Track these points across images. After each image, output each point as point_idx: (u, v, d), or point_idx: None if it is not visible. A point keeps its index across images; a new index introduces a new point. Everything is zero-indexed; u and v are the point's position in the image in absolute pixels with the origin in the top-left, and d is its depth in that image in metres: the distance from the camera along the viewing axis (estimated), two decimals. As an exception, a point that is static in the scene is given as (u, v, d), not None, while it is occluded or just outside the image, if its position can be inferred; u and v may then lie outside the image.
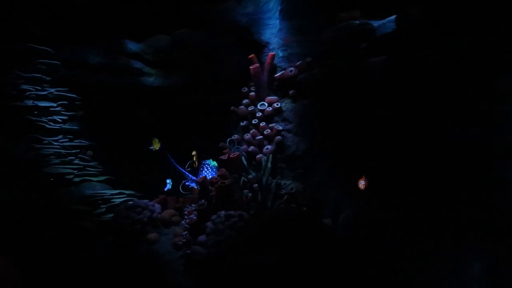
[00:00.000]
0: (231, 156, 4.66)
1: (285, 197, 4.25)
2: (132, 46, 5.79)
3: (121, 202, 5.68)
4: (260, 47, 5.10)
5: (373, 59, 3.86)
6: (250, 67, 4.86)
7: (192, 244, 4.22)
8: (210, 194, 4.56)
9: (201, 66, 5.26)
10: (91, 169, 6.25)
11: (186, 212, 4.98)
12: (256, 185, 4.29)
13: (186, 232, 4.49)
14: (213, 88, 5.31)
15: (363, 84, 3.92)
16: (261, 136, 4.77)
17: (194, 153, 5.35)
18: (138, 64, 5.79)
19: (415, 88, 3.57)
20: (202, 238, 4.08)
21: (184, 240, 4.41)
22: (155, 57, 5.64)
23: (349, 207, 4.29)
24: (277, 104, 4.83)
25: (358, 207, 4.18)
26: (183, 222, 4.79)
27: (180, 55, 5.39)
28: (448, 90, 3.39)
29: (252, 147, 4.78)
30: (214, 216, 4.19)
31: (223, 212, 4.16)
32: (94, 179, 6.17)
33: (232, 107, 5.04)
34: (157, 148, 5.36)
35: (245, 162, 4.40)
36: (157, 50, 5.59)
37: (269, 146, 4.70)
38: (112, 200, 5.72)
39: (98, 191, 5.80)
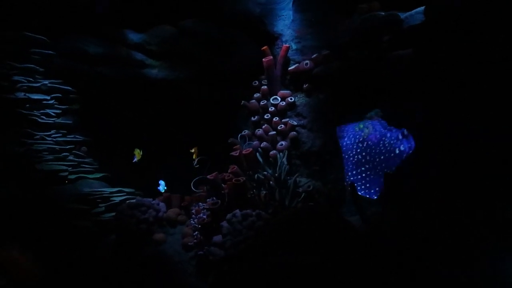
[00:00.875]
0: (243, 152, 4.45)
1: (302, 195, 4.07)
2: (134, 36, 5.49)
3: (121, 201, 5.40)
4: (272, 39, 4.90)
5: (399, 52, 3.72)
6: (263, 59, 4.66)
7: (205, 245, 4.00)
8: (222, 192, 4.34)
9: (209, 59, 5.02)
10: (87, 165, 5.94)
11: (193, 211, 4.74)
12: (273, 182, 4.09)
13: (197, 232, 4.26)
14: (222, 82, 5.08)
15: (387, 78, 3.77)
16: (274, 132, 4.58)
17: (193, 150, 5.13)
18: (140, 56, 5.50)
19: (445, 85, 3.43)
20: (217, 238, 3.86)
21: (195, 240, 4.18)
22: (160, 48, 5.37)
23: (372, 204, 4.15)
24: (291, 99, 4.64)
25: (382, 204, 4.04)
26: (191, 221, 4.55)
27: (187, 47, 5.13)
28: (481, 89, 3.27)
29: (264, 143, 4.59)
30: (229, 216, 3.98)
31: (238, 211, 3.95)
32: (90, 176, 5.86)
33: (243, 101, 4.83)
34: (139, 159, 5.16)
35: (260, 159, 4.20)
36: (162, 40, 5.31)
37: (283, 142, 4.51)
38: (111, 199, 5.43)
39: (96, 189, 5.50)
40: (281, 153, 4.24)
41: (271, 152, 4.46)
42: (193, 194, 5.13)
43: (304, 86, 4.61)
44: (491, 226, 3.12)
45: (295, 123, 4.52)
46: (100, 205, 5.34)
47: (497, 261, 2.90)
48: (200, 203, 4.90)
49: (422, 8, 3.64)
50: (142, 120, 5.90)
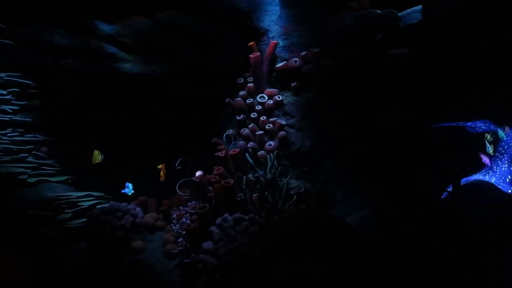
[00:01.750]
0: (230, 153, 4.21)
1: (294, 198, 3.90)
2: (105, 27, 5.07)
3: (91, 206, 4.95)
4: (258, 34, 4.69)
5: (395, 51, 3.66)
6: (251, 55, 4.45)
7: (193, 253, 3.71)
8: (209, 195, 4.07)
9: (191, 53, 4.72)
10: (48, 167, 5.44)
11: (174, 216, 4.43)
12: (263, 184, 3.88)
13: (181, 238, 3.96)
14: (204, 78, 4.80)
15: (382, 78, 3.70)
16: (262, 131, 4.37)
17: (161, 166, 4.80)
18: (112, 49, 5.09)
19: (442, 85, 3.41)
20: (207, 245, 3.59)
21: (180, 248, 3.88)
22: (134, 40, 4.99)
23: (362, 207, 4.07)
24: (279, 97, 4.47)
25: (375, 207, 3.95)
26: (174, 227, 4.24)
27: (166, 40, 4.80)
28: (479, 90, 3.27)
29: (251, 143, 4.37)
30: (219, 220, 3.72)
31: (228, 216, 3.71)
32: (53, 179, 5.35)
33: (227, 99, 4.58)
34: (98, 161, 4.80)
35: (250, 160, 3.98)
36: (137, 32, 4.94)
37: (272, 142, 4.32)
38: (79, 204, 4.95)
39: (62, 193, 5.01)
40: (271, 154, 4.04)
41: (259, 153, 4.25)
42: (172, 197, 4.81)
43: (292, 84, 4.45)
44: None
45: (284, 122, 4.34)
46: (67, 211, 4.86)
47: None
48: (182, 207, 4.59)
49: (420, 7, 3.60)
50: (112, 118, 5.47)
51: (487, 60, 3.16)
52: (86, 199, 5.04)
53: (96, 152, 4.96)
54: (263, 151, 4.28)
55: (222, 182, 3.90)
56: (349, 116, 4.19)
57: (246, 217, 3.66)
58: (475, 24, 3.18)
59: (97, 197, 5.14)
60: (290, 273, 2.90)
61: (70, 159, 5.69)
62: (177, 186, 4.00)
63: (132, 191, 4.84)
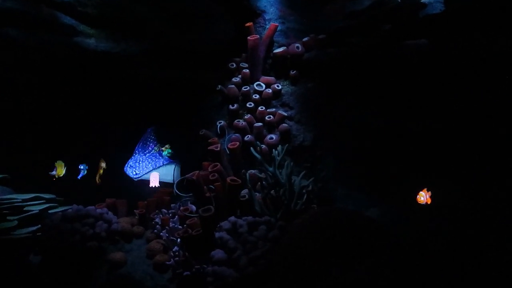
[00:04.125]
0: (229, 146, 3.69)
1: (304, 197, 3.54)
2: (60, -8, 4.15)
3: (42, 211, 4.02)
4: (254, 15, 4.21)
5: (413, 42, 3.49)
6: (249, 37, 3.96)
7: (196, 264, 3.15)
8: (207, 195, 3.52)
9: (173, 31, 4.06)
10: (-26, 164, 4.35)
11: (157, 220, 3.78)
12: (276, 183, 3.46)
13: (176, 247, 3.36)
14: (184, 61, 4.18)
15: (396, 70, 3.51)
16: (261, 124, 3.92)
17: (102, 164, 4.17)
18: (68, 20, 4.18)
19: (463, 81, 3.32)
20: (219, 255, 3.05)
21: (176, 258, 3.28)
22: (99, 11, 4.15)
23: (366, 207, 3.86)
24: (278, 86, 4.05)
25: (381, 205, 3.78)
26: (162, 233, 3.60)
27: (142, 14, 4.07)
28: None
29: (249, 136, 3.90)
30: (227, 224, 3.21)
31: (238, 219, 3.21)
32: (-19, 179, 4.29)
33: (219, 86, 4.03)
34: (61, 175, 4.07)
35: (258, 155, 3.50)
36: (103, 2, 4.12)
37: (273, 136, 3.89)
38: (26, 209, 3.98)
39: (2, 197, 4.00)
40: (279, 148, 3.61)
41: (263, 147, 3.79)
42: (149, 198, 4.12)
43: (291, 72, 4.07)
44: None
45: (285, 114, 3.95)
46: (9, 217, 3.88)
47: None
48: (164, 210, 3.94)
49: (442, -4, 3.48)
50: (63, 106, 4.54)
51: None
52: (35, 203, 4.08)
53: (60, 163, 4.10)
54: (264, 146, 3.83)
55: (229, 180, 3.37)
56: (353, 109, 3.94)
57: (262, 219, 3.19)
58: (503, 18, 3.12)
59: (48, 200, 4.21)
60: (342, 283, 2.54)
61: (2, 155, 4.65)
62: (174, 186, 3.36)
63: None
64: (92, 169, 4.19)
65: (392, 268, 2.54)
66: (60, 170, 4.20)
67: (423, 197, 3.32)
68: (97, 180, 3.92)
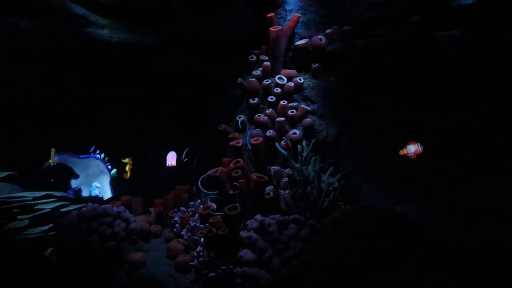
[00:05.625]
0: (252, 142, 3.55)
1: (331, 194, 3.41)
2: (71, -20, 3.97)
3: (54, 209, 3.84)
4: (274, 6, 4.05)
5: (444, 33, 3.36)
6: (271, 29, 3.80)
7: (222, 265, 3.01)
8: (230, 192, 3.38)
9: (191, 21, 3.90)
10: (-19, 161, 4.16)
11: (177, 219, 3.62)
12: (304, 180, 3.32)
13: (200, 247, 3.21)
14: (205, 52, 4.01)
15: (427, 63, 3.38)
16: (283, 118, 3.78)
17: (127, 160, 4.03)
18: (80, 9, 4.00)
19: (498, 75, 3.20)
20: (248, 255, 2.91)
21: (200, 259, 3.13)
22: (112, 0, 3.97)
23: (394, 203, 3.74)
24: (300, 79, 3.91)
25: (409, 202, 3.65)
26: (182, 232, 3.45)
27: (157, 3, 3.90)
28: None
29: (271, 131, 3.75)
30: (254, 223, 3.07)
31: (266, 218, 3.07)
32: (-11, 176, 4.11)
33: (239, 79, 3.88)
34: (54, 164, 3.91)
35: (284, 151, 3.36)
36: (118, -9, 3.94)
37: (296, 131, 3.75)
38: (37, 208, 3.80)
39: (12, 195, 3.81)
40: (304, 143, 3.47)
41: (282, 142, 3.65)
42: (166, 196, 3.96)
43: (313, 65, 3.93)
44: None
45: (308, 108, 3.80)
46: (20, 216, 3.69)
47: None
48: (183, 208, 3.78)
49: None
50: (72, 99, 4.36)
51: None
52: (46, 201, 3.90)
53: (53, 150, 3.92)
54: (283, 141, 3.69)
55: (255, 177, 3.23)
56: (379, 104, 3.81)
57: (291, 218, 3.05)
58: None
59: (59, 198, 4.03)
60: (386, 286, 2.41)
61: (8, 150, 4.47)
62: (199, 183, 3.20)
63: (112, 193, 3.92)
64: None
65: (438, 270, 2.42)
66: (53, 159, 4.02)
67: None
68: (126, 176, 3.75)
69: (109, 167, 4.06)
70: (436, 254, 2.56)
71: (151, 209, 3.90)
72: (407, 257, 2.62)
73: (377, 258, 2.62)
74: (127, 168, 4.14)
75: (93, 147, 3.92)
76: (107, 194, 4.08)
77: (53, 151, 3.91)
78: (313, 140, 3.45)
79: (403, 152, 3.39)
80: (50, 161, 4.02)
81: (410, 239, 2.76)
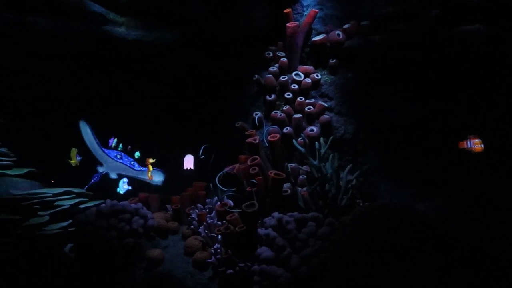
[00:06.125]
0: (269, 139, 3.52)
1: (350, 192, 3.37)
2: (88, -22, 3.98)
3: (74, 206, 3.88)
4: (290, 1, 4.01)
5: (466, 27, 3.28)
6: (288, 24, 3.77)
7: (240, 262, 3.00)
8: (248, 189, 3.36)
9: (206, 18, 3.88)
10: (2, 158, 4.23)
11: (194, 216, 3.63)
12: (322, 177, 3.29)
13: (217, 245, 3.20)
14: (221, 50, 4.00)
15: (448, 59, 3.30)
16: (300, 115, 3.75)
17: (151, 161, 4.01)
18: (98, 8, 4.02)
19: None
20: (266, 253, 2.90)
21: (218, 256, 3.13)
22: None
23: (414, 201, 3.68)
24: (317, 76, 3.87)
25: (428, 200, 3.59)
26: (200, 229, 3.45)
27: (175, 1, 3.89)
28: None
29: (288, 128, 3.72)
30: (272, 221, 3.05)
31: (283, 215, 3.05)
32: (11, 172, 4.16)
33: (256, 76, 3.86)
34: (76, 164, 3.89)
35: (301, 148, 3.33)
36: (134, -11, 3.95)
37: (314, 128, 3.72)
38: (56, 204, 3.85)
39: (33, 191, 3.87)
40: (321, 140, 3.43)
41: (300, 139, 3.62)
42: (182, 193, 3.97)
43: (331, 61, 3.88)
44: None
45: (326, 104, 3.76)
46: (40, 213, 3.74)
47: None
48: (200, 205, 3.79)
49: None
50: (91, 96, 4.39)
51: None
52: (66, 197, 3.95)
53: (73, 151, 3.93)
54: (301, 138, 3.65)
55: (273, 174, 3.21)
56: (397, 100, 3.74)
57: (309, 216, 3.02)
58: None
59: (78, 194, 4.07)
60: (410, 287, 2.37)
61: (27, 147, 4.52)
62: (216, 180, 3.20)
63: (128, 187, 3.92)
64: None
65: (464, 271, 2.36)
66: (74, 159, 4.03)
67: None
68: (149, 176, 3.77)
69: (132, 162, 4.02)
70: (460, 255, 2.51)
71: (168, 206, 3.92)
72: (430, 257, 2.56)
73: (399, 257, 2.58)
74: (150, 168, 4.12)
75: (112, 138, 3.91)
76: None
77: (74, 151, 3.93)
78: (331, 137, 3.41)
79: (462, 145, 3.26)
80: (72, 161, 4.03)
81: (432, 238, 2.71)
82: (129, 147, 3.86)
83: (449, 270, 2.40)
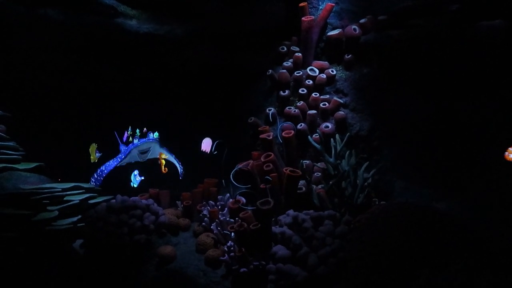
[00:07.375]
0: (283, 135, 3.45)
1: (366, 190, 3.30)
2: (100, -30, 3.92)
3: (83, 201, 3.81)
4: (305, -5, 3.93)
5: (486, 22, 3.19)
6: (303, 18, 3.69)
7: (255, 260, 2.93)
8: (262, 186, 3.29)
9: (220, 12, 3.81)
10: (11, 152, 4.15)
11: (205, 213, 3.56)
12: (339, 174, 3.22)
13: (231, 242, 3.14)
14: (234, 44, 3.93)
15: (468, 54, 3.22)
16: (315, 111, 3.67)
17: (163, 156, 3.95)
18: (108, 0, 3.96)
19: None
20: (282, 251, 2.84)
21: (232, 254, 3.06)
22: (141, -10, 3.91)
23: (430, 200, 3.61)
24: (332, 71, 3.79)
25: (446, 199, 3.52)
26: (212, 227, 3.39)
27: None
28: None
29: (302, 124, 3.65)
30: (287, 219, 2.99)
31: (299, 213, 2.98)
32: (19, 166, 4.09)
33: (270, 71, 3.78)
34: (95, 160, 3.83)
35: (317, 145, 3.26)
36: (146, -19, 3.88)
37: (329, 124, 3.64)
38: (66, 199, 3.78)
39: (42, 185, 3.80)
40: (337, 137, 3.36)
41: (315, 136, 3.54)
42: (194, 189, 3.91)
43: (346, 56, 3.80)
44: None
45: (341, 101, 3.68)
46: (50, 208, 3.68)
47: None
48: (211, 202, 3.72)
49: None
50: (99, 89, 4.33)
51: None
52: (75, 192, 3.88)
53: (93, 146, 3.87)
54: (316, 135, 3.58)
55: (288, 171, 3.13)
56: (414, 97, 3.66)
57: (325, 214, 2.95)
58: None
59: (87, 189, 4.00)
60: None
61: (34, 141, 4.47)
62: (231, 176, 3.13)
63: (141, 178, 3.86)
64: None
65: (490, 272, 2.28)
66: (94, 155, 3.97)
67: None
68: (165, 171, 3.70)
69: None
70: (485, 256, 2.43)
71: (178, 202, 3.85)
72: (454, 258, 2.48)
73: (421, 257, 2.51)
74: (162, 163, 4.06)
75: (126, 132, 3.84)
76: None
77: (93, 146, 3.86)
78: (348, 134, 3.34)
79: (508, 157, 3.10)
80: (91, 157, 3.97)
81: (455, 238, 2.63)
82: (144, 129, 3.79)
83: (474, 271, 2.32)
